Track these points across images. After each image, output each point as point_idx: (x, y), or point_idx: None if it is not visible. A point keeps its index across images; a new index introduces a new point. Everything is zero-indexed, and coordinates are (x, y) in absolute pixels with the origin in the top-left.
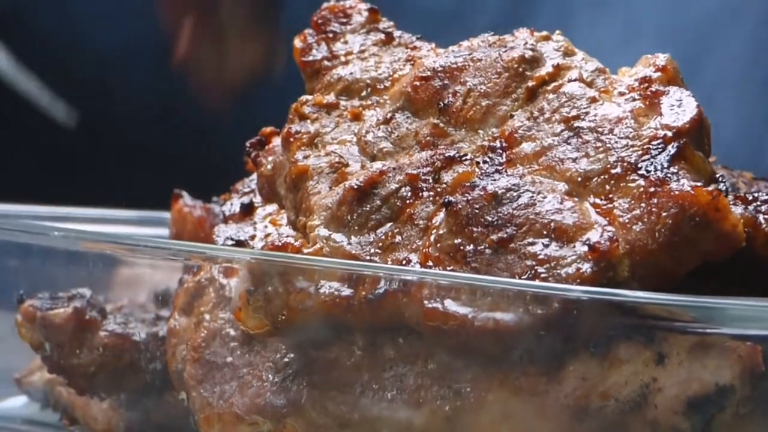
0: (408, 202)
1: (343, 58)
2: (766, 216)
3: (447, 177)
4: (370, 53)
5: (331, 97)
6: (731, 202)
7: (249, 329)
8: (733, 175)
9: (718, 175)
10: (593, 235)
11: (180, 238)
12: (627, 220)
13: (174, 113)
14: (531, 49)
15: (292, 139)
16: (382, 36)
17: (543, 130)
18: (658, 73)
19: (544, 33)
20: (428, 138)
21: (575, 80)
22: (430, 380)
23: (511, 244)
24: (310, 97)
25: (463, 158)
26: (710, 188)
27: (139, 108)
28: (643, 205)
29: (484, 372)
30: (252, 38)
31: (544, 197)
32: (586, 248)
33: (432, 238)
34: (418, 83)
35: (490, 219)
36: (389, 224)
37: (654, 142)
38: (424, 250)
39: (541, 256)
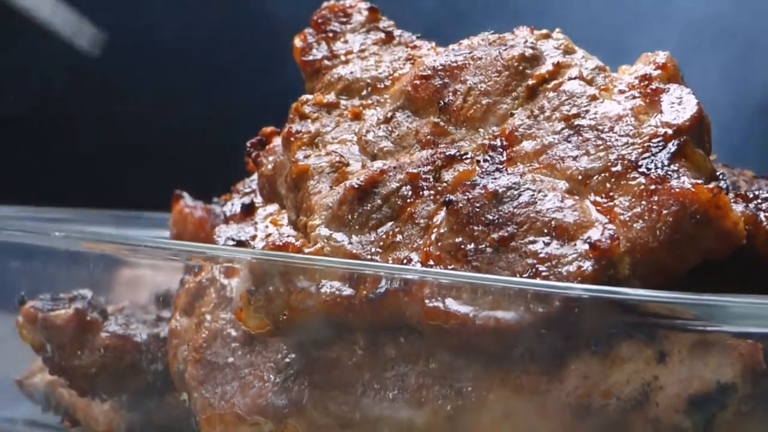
0: (409, 201)
1: (343, 58)
2: (766, 214)
3: (448, 176)
4: (371, 52)
5: (331, 97)
6: (732, 200)
7: (250, 329)
8: (733, 173)
9: (718, 173)
10: (594, 233)
11: (181, 239)
12: (628, 218)
13: (174, 114)
14: (531, 47)
15: (292, 139)
16: (383, 35)
17: (543, 128)
18: (659, 71)
19: (544, 31)
20: (429, 137)
21: (575, 78)
22: (432, 379)
23: (512, 243)
24: (310, 97)
25: (464, 157)
26: (711, 186)
27: (140, 108)
28: (643, 202)
29: (486, 371)
30: None
31: (545, 195)
32: (587, 246)
33: (433, 236)
34: (418, 82)
35: (490, 217)
36: (390, 223)
37: (654, 140)
38: (425, 249)
39: (542, 255)
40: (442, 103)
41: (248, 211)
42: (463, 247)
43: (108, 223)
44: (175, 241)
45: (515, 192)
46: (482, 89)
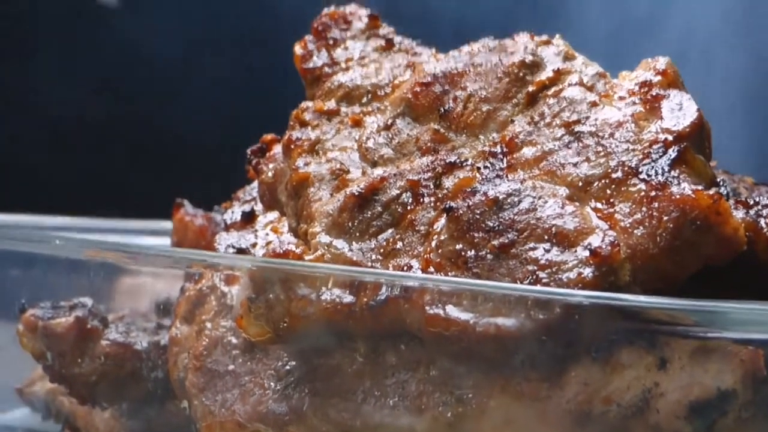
0: (409, 208)
1: (343, 65)
2: (767, 220)
3: (448, 182)
4: (371, 59)
5: (331, 104)
6: (732, 207)
7: (250, 337)
8: (734, 180)
9: (719, 179)
10: (594, 240)
11: (181, 247)
12: (628, 225)
13: (175, 123)
14: (531, 53)
15: (293, 146)
16: (383, 42)
17: (544, 134)
18: (659, 77)
19: (545, 37)
20: (429, 144)
21: (576, 85)
22: (432, 386)
23: (513, 249)
24: (310, 104)
25: (464, 164)
26: (711, 192)
27: (140, 116)
28: (644, 209)
29: (486, 378)
30: None
31: (545, 202)
32: (587, 253)
33: (433, 243)
34: (418, 89)
35: (491, 224)
36: (390, 230)
37: (655, 146)
38: (425, 256)
39: (542, 261)
40: (443, 110)
41: (249, 218)
42: (463, 253)
43: (108, 232)
44: (176, 248)
45: (515, 199)
46: (482, 96)
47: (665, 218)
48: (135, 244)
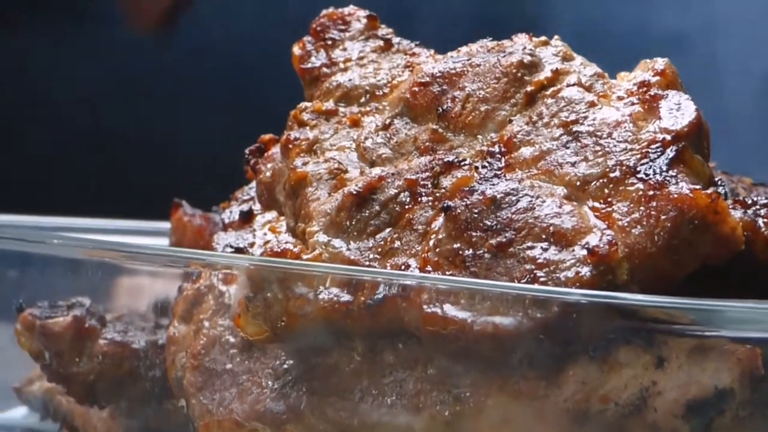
0: (407, 207)
1: (342, 65)
2: (765, 220)
3: (446, 182)
4: (369, 60)
5: (330, 104)
6: (730, 206)
7: (248, 336)
8: (732, 180)
9: (717, 179)
10: (592, 239)
11: (180, 247)
12: (626, 224)
13: (172, 123)
14: (530, 54)
15: (291, 146)
16: (381, 42)
17: (542, 134)
18: (657, 77)
19: (543, 38)
20: (427, 143)
21: (574, 85)
22: (430, 385)
23: (510, 249)
24: (309, 104)
25: (462, 163)
26: (709, 191)
27: (139, 117)
28: (642, 208)
29: (484, 376)
30: None
31: (543, 201)
32: (585, 252)
33: (431, 242)
34: (416, 89)
35: (489, 223)
36: (388, 229)
37: (653, 146)
38: (423, 255)
39: (540, 260)
40: (441, 110)
41: (247, 218)
42: (461, 252)
43: (107, 232)
44: (174, 247)
45: (513, 198)
46: (481, 96)
47: (663, 217)
48: (133, 244)
